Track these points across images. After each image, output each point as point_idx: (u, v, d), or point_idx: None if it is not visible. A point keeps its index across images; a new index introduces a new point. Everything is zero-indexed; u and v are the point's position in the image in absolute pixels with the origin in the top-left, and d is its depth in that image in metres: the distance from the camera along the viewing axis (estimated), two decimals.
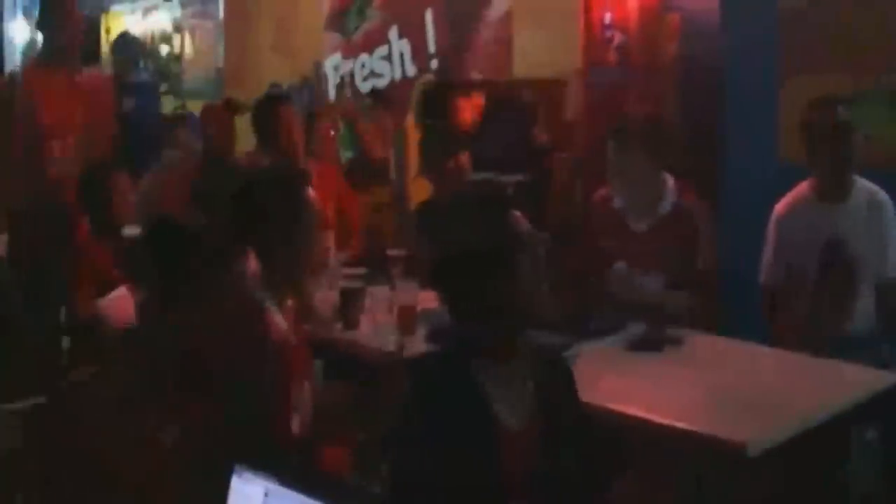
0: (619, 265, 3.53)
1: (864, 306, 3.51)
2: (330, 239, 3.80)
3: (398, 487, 1.95)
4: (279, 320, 2.47)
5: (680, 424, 2.45)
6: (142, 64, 6.81)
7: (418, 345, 3.03)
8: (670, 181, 3.55)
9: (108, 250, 3.67)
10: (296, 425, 2.44)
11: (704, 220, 3.55)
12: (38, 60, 4.82)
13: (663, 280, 3.49)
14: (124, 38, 6.75)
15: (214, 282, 2.59)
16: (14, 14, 9.18)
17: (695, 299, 3.45)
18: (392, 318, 3.23)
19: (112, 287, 3.35)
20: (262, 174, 2.98)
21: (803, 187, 3.59)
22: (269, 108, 4.41)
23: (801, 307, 3.52)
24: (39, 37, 4.86)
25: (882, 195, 3.53)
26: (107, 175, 3.89)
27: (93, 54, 7.39)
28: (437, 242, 2.08)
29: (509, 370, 2.02)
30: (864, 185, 3.54)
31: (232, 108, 5.02)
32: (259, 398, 2.33)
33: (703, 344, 3.13)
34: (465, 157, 3.94)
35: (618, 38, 4.79)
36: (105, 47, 8.29)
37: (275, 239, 2.51)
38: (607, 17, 4.83)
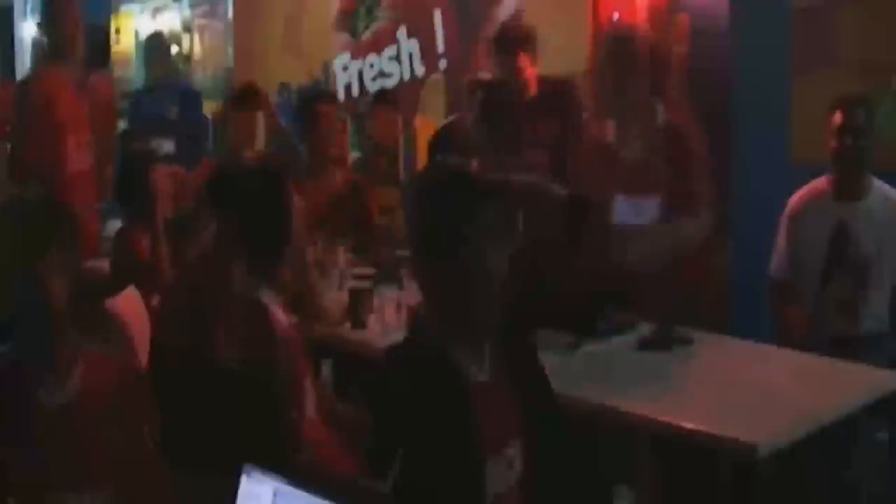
0: (620, 200, 3.43)
1: (876, 307, 3.51)
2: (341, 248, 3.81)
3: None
4: (280, 314, 2.50)
5: (688, 424, 2.45)
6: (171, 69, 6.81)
7: None
8: (660, 106, 3.47)
9: (144, 240, 3.72)
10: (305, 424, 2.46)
11: (697, 143, 3.44)
12: (48, 60, 4.89)
13: (658, 204, 3.39)
14: (155, 39, 6.71)
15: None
16: (25, 15, 9.21)
17: (693, 225, 3.38)
18: (400, 317, 3.24)
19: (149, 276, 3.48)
20: (242, 168, 3.02)
21: (820, 182, 3.59)
22: (309, 104, 4.40)
23: (809, 303, 3.52)
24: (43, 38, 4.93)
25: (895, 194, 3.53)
26: (146, 171, 3.94)
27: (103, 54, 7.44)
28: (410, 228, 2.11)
29: (472, 327, 2.04)
30: (881, 187, 3.53)
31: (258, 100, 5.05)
32: (271, 393, 2.36)
33: (712, 344, 3.12)
34: (474, 163, 3.93)
35: None
36: (114, 48, 8.31)
37: (258, 233, 2.55)
38: (615, 17, 4.82)
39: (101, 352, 2.08)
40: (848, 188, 3.53)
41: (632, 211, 3.42)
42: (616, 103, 3.46)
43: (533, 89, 4.36)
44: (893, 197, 3.53)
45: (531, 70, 4.36)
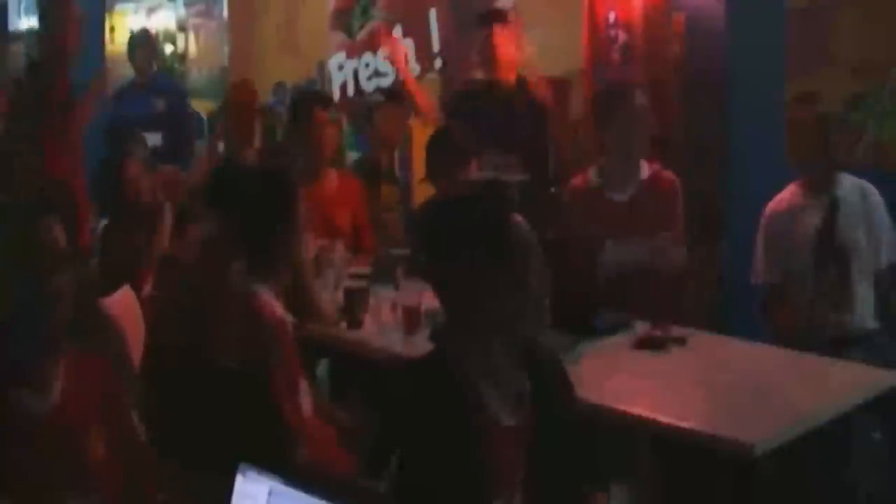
0: (609, 245, 3.53)
1: (865, 299, 3.52)
2: (338, 247, 3.80)
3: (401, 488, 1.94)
4: (274, 304, 2.51)
5: (684, 424, 2.44)
6: (155, 66, 6.81)
7: (422, 344, 3.03)
8: (643, 161, 3.69)
9: (125, 237, 3.73)
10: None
11: (679, 193, 3.68)
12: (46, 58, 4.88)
13: (644, 245, 3.55)
14: (141, 35, 6.70)
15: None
16: (19, 15, 9.18)
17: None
18: (396, 317, 3.23)
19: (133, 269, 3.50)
20: (243, 168, 3.03)
21: (791, 188, 3.63)
22: (305, 108, 4.40)
23: (798, 303, 3.52)
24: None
25: (868, 186, 3.56)
26: (119, 163, 3.94)
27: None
28: (431, 242, 2.09)
29: (501, 364, 2.01)
30: (849, 178, 3.56)
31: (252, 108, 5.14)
32: (268, 391, 2.36)
33: (707, 343, 3.12)
34: (473, 164, 3.94)
35: (622, 37, 4.78)
36: (109, 47, 8.29)
37: (261, 231, 2.57)
38: (611, 17, 4.81)
39: (84, 352, 2.06)
40: (818, 185, 3.56)
41: (621, 252, 3.54)
42: (619, 142, 3.64)
43: (511, 75, 4.51)
44: (864, 186, 3.58)
45: (510, 48, 4.51)
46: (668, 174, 3.71)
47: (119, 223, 3.85)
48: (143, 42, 6.42)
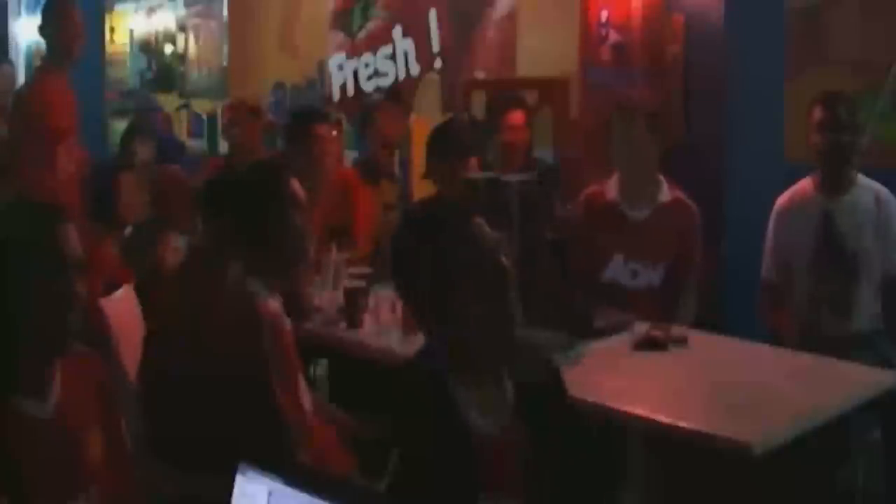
0: (617, 258, 3.54)
1: (868, 303, 3.51)
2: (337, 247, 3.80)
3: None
4: (272, 304, 2.51)
5: (684, 424, 2.44)
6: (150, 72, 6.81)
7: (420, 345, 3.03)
8: (663, 179, 3.63)
9: (111, 247, 3.74)
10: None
11: (699, 223, 3.63)
12: (45, 64, 4.83)
13: (663, 272, 3.52)
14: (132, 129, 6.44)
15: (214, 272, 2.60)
16: (18, 14, 9.18)
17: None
18: (396, 317, 3.24)
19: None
20: (245, 166, 3.04)
21: (805, 182, 3.60)
22: (302, 126, 4.27)
23: (800, 303, 3.52)
24: (41, 40, 4.87)
25: (886, 192, 3.53)
26: (113, 175, 3.97)
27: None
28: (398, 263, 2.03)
29: (485, 372, 1.95)
30: (866, 182, 3.54)
31: (257, 114, 5.18)
32: (268, 390, 2.36)
33: (707, 343, 3.12)
34: (472, 161, 3.93)
35: (613, 36, 4.78)
36: (109, 47, 8.30)
37: (259, 230, 2.58)
38: (604, 16, 4.81)
39: (83, 353, 2.05)
40: (831, 183, 3.54)
41: (626, 272, 3.54)
42: (630, 161, 3.60)
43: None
44: (881, 192, 3.53)
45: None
46: (690, 203, 3.63)
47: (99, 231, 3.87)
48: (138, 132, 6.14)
